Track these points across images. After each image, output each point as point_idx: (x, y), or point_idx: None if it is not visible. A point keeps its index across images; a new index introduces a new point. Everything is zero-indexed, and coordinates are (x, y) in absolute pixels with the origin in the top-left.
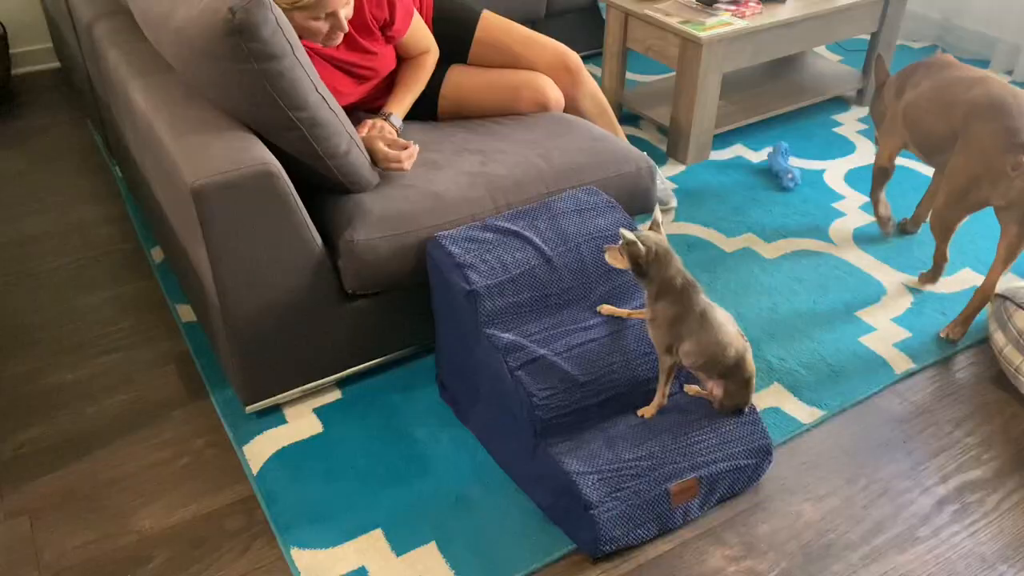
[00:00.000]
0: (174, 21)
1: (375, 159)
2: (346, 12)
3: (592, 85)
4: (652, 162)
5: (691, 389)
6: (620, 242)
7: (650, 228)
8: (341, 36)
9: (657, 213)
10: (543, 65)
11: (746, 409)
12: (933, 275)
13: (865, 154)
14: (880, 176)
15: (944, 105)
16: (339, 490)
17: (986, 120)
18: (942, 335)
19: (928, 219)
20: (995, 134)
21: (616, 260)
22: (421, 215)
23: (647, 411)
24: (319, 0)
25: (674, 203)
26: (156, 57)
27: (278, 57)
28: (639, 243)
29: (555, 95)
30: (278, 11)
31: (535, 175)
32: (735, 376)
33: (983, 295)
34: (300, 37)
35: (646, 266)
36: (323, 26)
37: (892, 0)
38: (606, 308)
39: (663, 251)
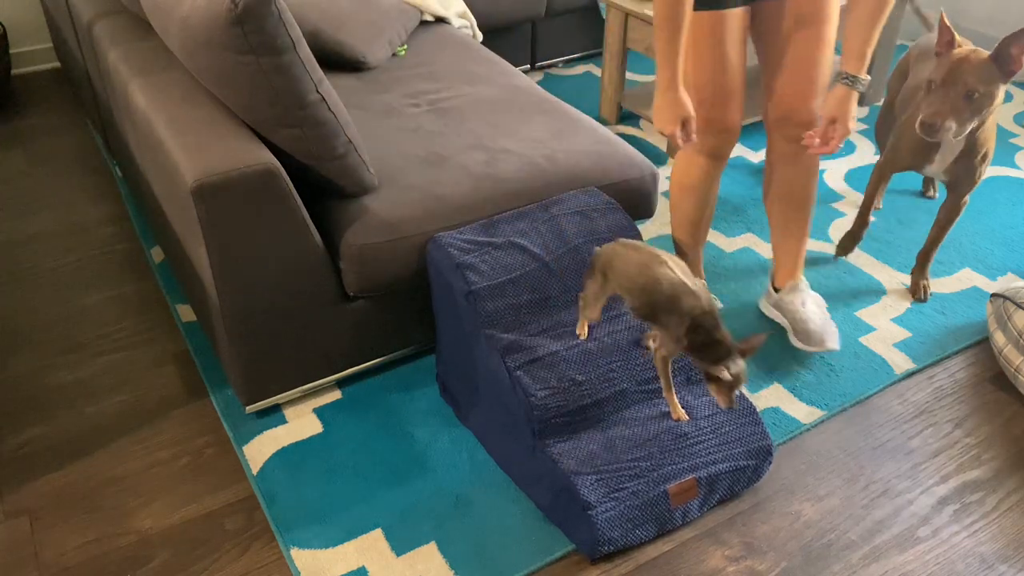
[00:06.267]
0: (181, 10)
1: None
2: None
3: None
4: (656, 169)
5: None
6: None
7: None
8: None
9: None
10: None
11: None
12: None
13: (865, 154)
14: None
15: None
16: (339, 490)
17: None
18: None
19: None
20: None
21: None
22: (424, 218)
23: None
24: None
25: None
26: (156, 57)
27: (279, 52)
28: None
29: None
30: (283, 6)
31: (539, 178)
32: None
33: None
34: None
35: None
36: None
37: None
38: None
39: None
